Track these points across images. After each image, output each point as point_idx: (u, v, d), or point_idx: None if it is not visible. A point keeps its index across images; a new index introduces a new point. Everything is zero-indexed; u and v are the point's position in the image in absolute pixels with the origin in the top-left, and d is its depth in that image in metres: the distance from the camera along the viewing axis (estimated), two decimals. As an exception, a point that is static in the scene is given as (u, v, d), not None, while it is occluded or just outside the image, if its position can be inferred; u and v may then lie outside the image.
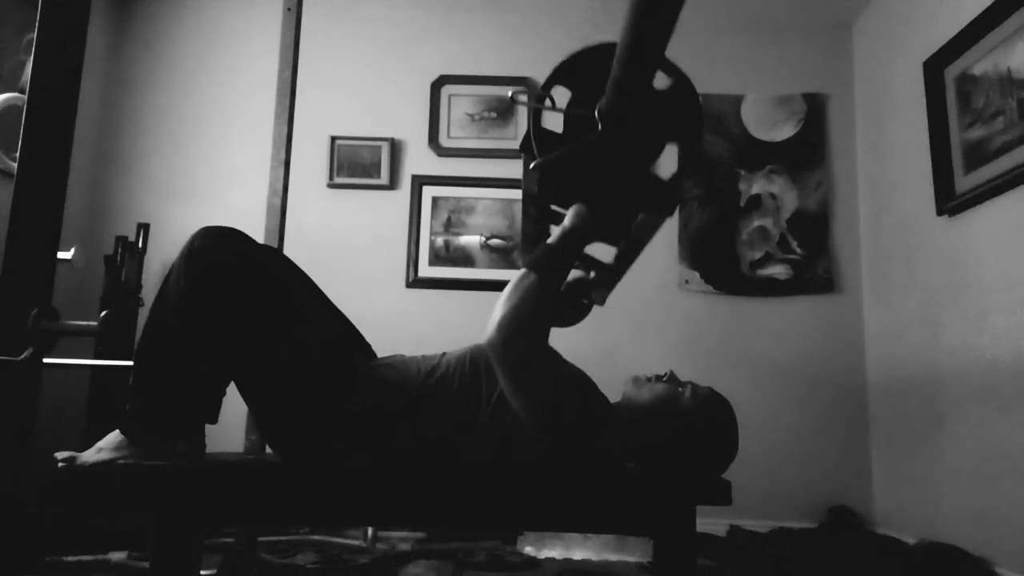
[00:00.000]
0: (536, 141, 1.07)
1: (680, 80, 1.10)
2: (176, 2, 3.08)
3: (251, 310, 1.17)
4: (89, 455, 1.14)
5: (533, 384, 1.08)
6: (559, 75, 1.09)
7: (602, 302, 1.27)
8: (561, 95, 1.09)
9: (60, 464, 1.13)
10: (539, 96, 1.07)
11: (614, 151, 1.03)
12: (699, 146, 1.13)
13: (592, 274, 1.25)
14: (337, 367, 1.22)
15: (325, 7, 2.95)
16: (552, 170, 1.05)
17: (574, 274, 1.25)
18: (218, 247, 1.15)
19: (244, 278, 1.17)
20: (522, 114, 2.98)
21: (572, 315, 1.27)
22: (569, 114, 1.04)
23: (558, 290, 1.12)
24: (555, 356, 1.14)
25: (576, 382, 1.16)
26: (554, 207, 1.19)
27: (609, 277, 1.22)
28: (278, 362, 1.18)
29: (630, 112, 1.00)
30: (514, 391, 1.08)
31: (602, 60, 1.01)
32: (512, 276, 1.09)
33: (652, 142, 1.07)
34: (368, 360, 1.31)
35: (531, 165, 1.06)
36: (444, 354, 1.27)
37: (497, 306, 1.06)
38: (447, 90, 3.00)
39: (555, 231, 1.12)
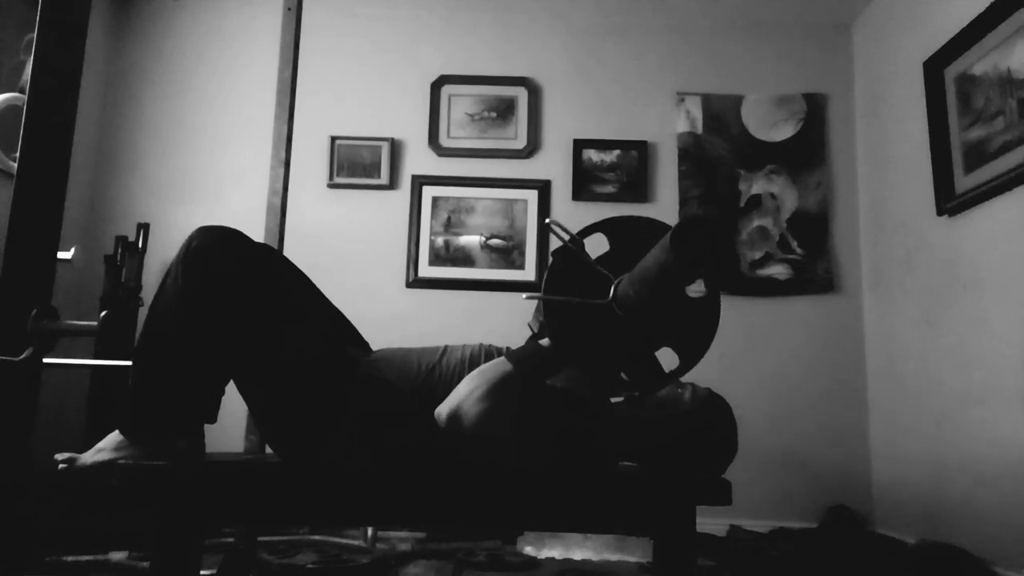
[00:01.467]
0: (559, 266, 1.08)
1: (711, 297, 1.12)
2: (176, 2, 3.08)
3: (249, 309, 1.17)
4: (89, 456, 1.14)
5: (491, 447, 1.11)
6: (604, 226, 1.10)
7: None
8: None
9: (60, 465, 1.13)
10: (573, 240, 1.08)
11: (613, 326, 1.04)
12: (697, 361, 1.14)
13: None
14: (336, 366, 1.22)
15: (325, 7, 2.95)
16: (551, 308, 1.05)
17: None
18: (216, 247, 1.15)
19: (242, 277, 1.17)
20: (522, 114, 2.98)
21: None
22: (591, 267, 1.06)
23: (527, 386, 1.12)
24: (529, 419, 1.13)
25: (555, 405, 1.17)
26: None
27: (595, 390, 1.24)
28: (277, 361, 1.18)
29: (643, 310, 1.01)
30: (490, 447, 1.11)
31: (650, 234, 1.03)
32: (492, 362, 1.11)
33: (655, 335, 1.09)
34: (367, 355, 1.31)
35: (525, 295, 1.08)
36: (445, 349, 1.27)
37: (463, 383, 1.09)
38: (447, 90, 3.00)
39: (545, 340, 1.11)
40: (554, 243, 1.13)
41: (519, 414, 1.09)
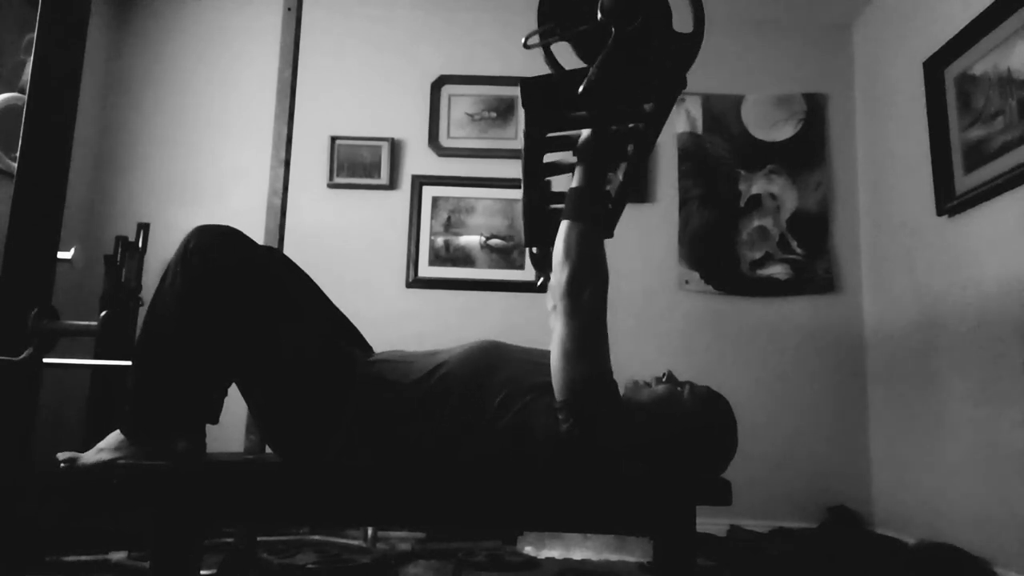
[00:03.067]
0: (558, 77, 1.04)
1: None
2: (176, 2, 3.08)
3: (249, 309, 1.17)
4: (90, 456, 1.14)
5: (600, 336, 1.08)
6: (547, 4, 1.06)
7: (611, 234, 1.27)
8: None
9: (62, 465, 1.13)
10: (543, 32, 1.04)
11: (635, 41, 1.01)
12: None
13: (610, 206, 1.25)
14: (336, 366, 1.22)
15: (325, 7, 2.95)
16: (598, 86, 1.01)
17: None
18: (215, 246, 1.15)
19: (241, 277, 1.16)
20: (522, 113, 2.97)
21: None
22: (576, 32, 1.01)
23: (604, 230, 1.11)
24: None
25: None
26: (554, 161, 1.18)
27: (616, 205, 1.22)
28: (276, 361, 1.18)
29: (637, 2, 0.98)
30: (579, 342, 1.07)
31: None
32: (559, 236, 1.08)
33: (662, 6, 1.05)
34: (367, 356, 1.31)
35: (580, 89, 1.01)
36: (446, 350, 1.26)
37: (559, 264, 1.06)
38: (447, 90, 3.00)
39: (574, 178, 1.10)
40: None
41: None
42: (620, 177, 1.20)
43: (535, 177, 1.20)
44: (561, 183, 1.18)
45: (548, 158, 1.17)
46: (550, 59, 1.04)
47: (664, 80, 1.06)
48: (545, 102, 1.05)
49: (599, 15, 0.99)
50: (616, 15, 0.98)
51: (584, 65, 1.01)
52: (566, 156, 1.17)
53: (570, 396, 1.08)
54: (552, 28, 1.02)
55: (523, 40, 1.03)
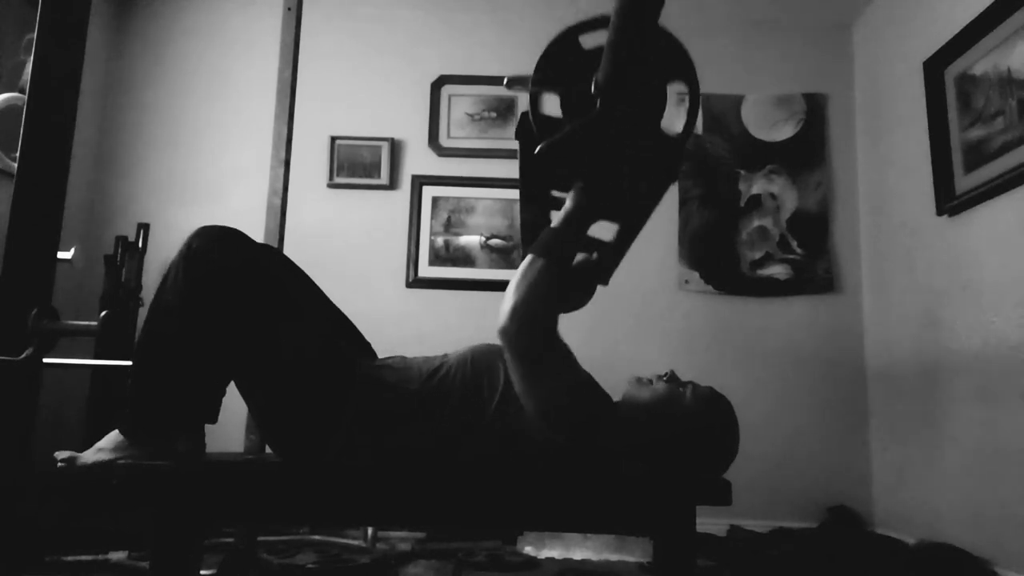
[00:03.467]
0: (536, 125, 1.05)
1: (671, 43, 1.07)
2: (176, 2, 3.08)
3: (250, 309, 1.17)
4: (89, 455, 1.14)
5: (545, 372, 1.08)
6: (549, 57, 1.07)
7: (606, 282, 1.26)
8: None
9: (60, 464, 1.13)
10: (534, 80, 1.05)
11: (617, 122, 1.01)
12: (698, 89, 1.10)
13: (595, 255, 1.25)
14: (337, 366, 1.22)
15: (325, 7, 2.95)
16: (556, 152, 1.03)
17: (577, 256, 1.24)
18: (216, 247, 1.15)
19: (243, 277, 1.17)
20: (520, 112, 2.97)
21: (578, 298, 1.26)
22: (567, 93, 1.02)
23: (566, 273, 1.12)
24: (566, 348, 1.14)
25: (583, 377, 1.16)
26: (553, 192, 1.18)
27: (613, 255, 1.22)
28: (277, 361, 1.18)
29: (629, 80, 0.98)
30: (525, 379, 1.08)
31: (591, 34, 1.00)
32: (520, 266, 1.09)
33: (654, 103, 1.05)
34: (368, 360, 1.31)
35: (536, 149, 1.03)
36: (445, 355, 1.27)
37: (507, 294, 1.06)
38: (447, 90, 3.00)
39: (557, 216, 1.11)
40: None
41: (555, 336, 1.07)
42: (613, 235, 1.20)
43: (530, 198, 1.20)
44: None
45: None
46: (536, 108, 1.05)
47: (648, 169, 1.07)
48: (537, 139, 1.06)
49: (593, 87, 1.00)
50: (607, 94, 0.99)
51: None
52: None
53: (546, 423, 1.09)
54: (543, 78, 1.03)
55: (505, 80, 1.05)
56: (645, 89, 1.02)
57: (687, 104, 1.07)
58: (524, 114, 1.07)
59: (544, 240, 1.09)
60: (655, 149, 1.06)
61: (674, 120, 1.06)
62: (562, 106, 1.05)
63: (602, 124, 1.00)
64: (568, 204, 1.11)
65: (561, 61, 1.05)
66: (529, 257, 1.08)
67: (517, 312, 1.03)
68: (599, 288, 1.26)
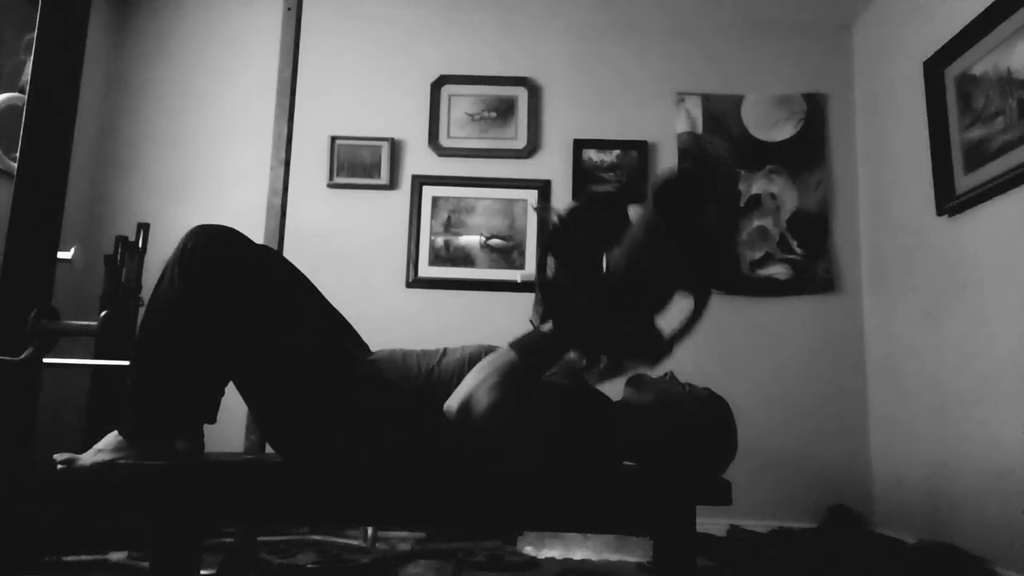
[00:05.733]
0: (552, 245, 1.08)
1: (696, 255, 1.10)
2: (176, 2, 3.08)
3: (247, 309, 1.17)
4: (88, 456, 1.14)
5: (502, 440, 1.11)
6: (589, 205, 1.10)
7: (594, 384, 1.28)
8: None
9: (59, 466, 1.13)
10: (561, 218, 1.08)
11: (611, 298, 1.04)
12: (709, 303, 1.13)
13: (585, 362, 1.25)
14: (336, 365, 1.21)
15: (325, 7, 2.95)
16: (548, 289, 1.05)
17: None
18: (212, 246, 1.15)
19: (239, 277, 1.16)
20: (522, 114, 2.97)
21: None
22: (580, 244, 1.05)
23: (535, 375, 1.13)
24: (527, 401, 1.13)
25: (557, 401, 1.16)
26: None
27: (599, 375, 1.23)
28: (276, 361, 1.18)
29: (634, 278, 1.00)
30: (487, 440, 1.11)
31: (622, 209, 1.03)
32: (497, 352, 1.11)
33: (657, 299, 1.08)
34: (366, 355, 1.31)
35: (519, 278, 1.09)
36: (445, 351, 1.27)
37: (470, 375, 1.08)
38: (447, 90, 3.00)
39: (547, 326, 1.11)
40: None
41: (516, 416, 1.09)
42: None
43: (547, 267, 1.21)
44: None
45: None
46: (559, 240, 1.07)
47: (628, 354, 1.08)
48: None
49: (605, 256, 1.04)
50: (613, 274, 1.02)
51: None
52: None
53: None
54: (570, 222, 1.06)
55: (534, 206, 1.08)
56: (651, 284, 1.05)
57: (690, 311, 1.11)
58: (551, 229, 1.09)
59: (525, 340, 1.11)
60: (641, 336, 1.09)
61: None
62: (573, 255, 1.07)
63: (596, 291, 1.03)
64: (548, 328, 1.11)
65: (594, 213, 1.09)
66: (506, 348, 1.11)
67: (468, 397, 1.06)
68: None
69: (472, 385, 1.06)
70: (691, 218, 0.91)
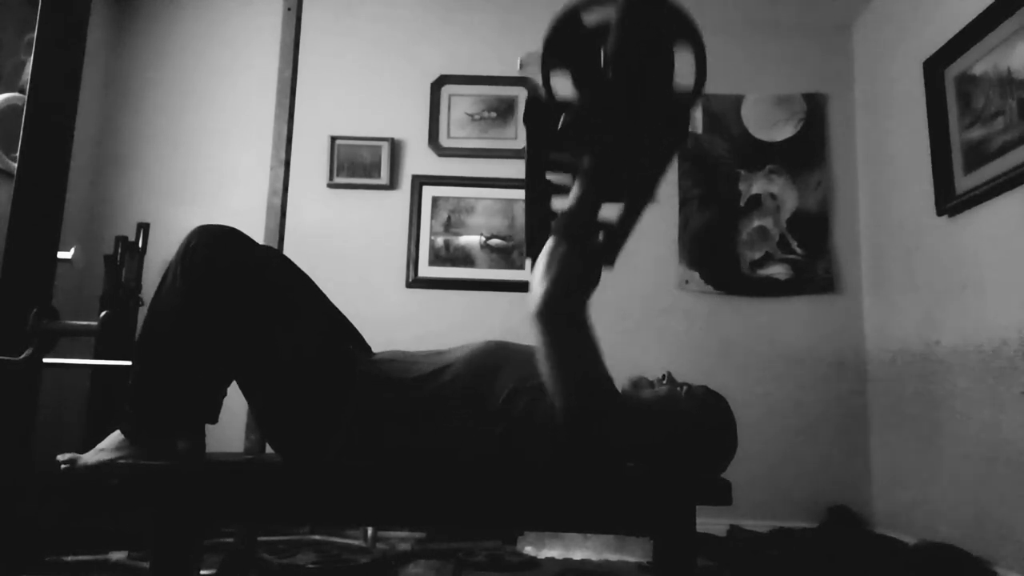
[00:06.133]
0: (549, 103, 1.05)
1: (671, 7, 1.07)
2: (176, 2, 3.08)
3: (249, 309, 1.17)
4: (90, 456, 1.14)
5: (578, 353, 1.08)
6: (556, 34, 1.06)
7: (612, 264, 1.26)
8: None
9: (63, 467, 1.13)
10: (544, 57, 1.05)
11: (631, 88, 1.01)
12: (703, 48, 1.08)
13: (601, 237, 1.24)
14: (337, 365, 1.22)
15: (325, 7, 2.95)
16: (580, 122, 1.02)
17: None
18: (215, 246, 1.15)
19: (242, 277, 1.16)
20: (522, 113, 2.97)
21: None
22: (578, 68, 1.02)
23: (591, 253, 1.11)
24: (595, 334, 1.13)
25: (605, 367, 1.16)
26: (553, 180, 1.18)
27: (618, 236, 1.22)
28: (277, 360, 1.18)
29: (639, 48, 0.98)
30: (558, 362, 1.06)
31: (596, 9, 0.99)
32: (543, 252, 1.07)
33: (664, 65, 1.05)
34: (368, 356, 1.31)
35: (560, 123, 1.03)
36: (449, 351, 1.26)
37: (535, 280, 1.05)
38: (447, 90, 3.00)
39: (566, 201, 1.10)
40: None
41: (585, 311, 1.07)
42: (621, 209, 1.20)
43: (536, 193, 1.20)
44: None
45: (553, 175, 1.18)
46: (548, 88, 1.04)
47: (658, 135, 1.06)
48: (547, 122, 1.05)
49: (602, 59, 1.00)
50: (619, 62, 0.98)
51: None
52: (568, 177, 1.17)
53: (569, 419, 1.08)
54: (553, 55, 1.02)
55: (518, 62, 1.04)
56: (655, 54, 1.02)
57: (694, 64, 1.07)
58: (532, 98, 1.06)
59: (562, 224, 1.08)
60: (667, 108, 1.05)
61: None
62: (574, 82, 1.04)
63: (617, 91, 1.00)
64: (577, 187, 1.10)
65: (569, 37, 1.05)
66: (551, 242, 1.07)
67: (549, 296, 1.02)
68: (599, 289, 1.26)
69: (541, 279, 1.04)
70: None
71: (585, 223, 1.09)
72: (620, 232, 1.18)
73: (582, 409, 1.09)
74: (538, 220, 1.18)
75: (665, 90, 1.03)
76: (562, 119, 1.01)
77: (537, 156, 1.10)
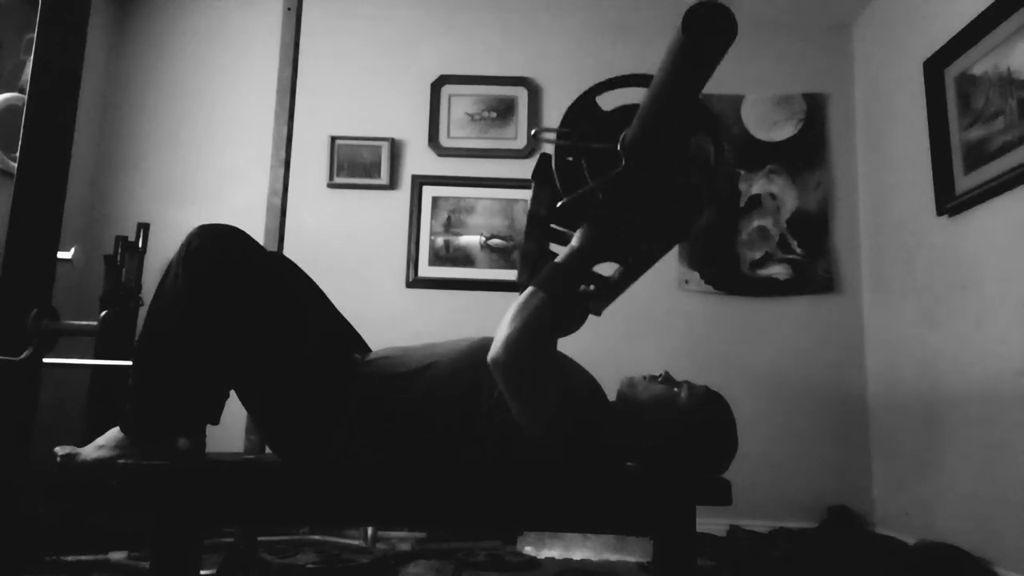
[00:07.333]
0: (560, 175, 1.06)
1: (708, 120, 1.09)
2: (176, 2, 3.08)
3: (249, 309, 1.17)
4: (89, 451, 1.14)
5: (538, 399, 1.08)
6: (580, 109, 1.08)
7: (599, 313, 1.27)
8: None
9: (60, 459, 1.13)
10: (560, 133, 1.06)
11: (639, 185, 1.02)
12: (723, 143, 1.10)
13: (592, 286, 1.25)
14: (336, 365, 1.22)
15: (325, 7, 2.95)
16: (579, 205, 1.04)
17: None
18: (215, 245, 1.15)
19: (242, 276, 1.16)
20: (522, 114, 2.98)
21: (570, 325, 1.27)
22: (592, 149, 1.03)
23: (565, 309, 1.11)
24: (559, 368, 1.13)
25: (581, 391, 1.16)
26: (560, 227, 1.19)
27: (609, 291, 1.22)
28: (277, 360, 1.18)
29: (657, 147, 0.99)
30: (519, 406, 1.08)
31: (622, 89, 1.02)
32: (519, 296, 1.09)
33: (679, 159, 1.06)
34: (366, 355, 1.31)
35: (559, 203, 1.05)
36: (442, 345, 1.26)
37: (503, 324, 1.05)
38: (447, 90, 3.00)
39: (562, 250, 1.11)
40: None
41: (551, 365, 1.07)
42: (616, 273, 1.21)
43: (536, 232, 1.20)
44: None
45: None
46: (559, 159, 1.06)
47: (661, 227, 1.08)
48: (553, 185, 1.07)
49: (618, 145, 1.01)
50: (634, 153, 1.00)
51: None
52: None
53: (542, 442, 1.10)
54: (569, 134, 1.04)
55: (533, 131, 1.06)
56: (671, 148, 1.03)
57: (711, 156, 1.09)
58: (544, 156, 1.08)
59: (546, 275, 1.09)
60: (676, 202, 1.07)
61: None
62: (586, 162, 1.05)
63: (627, 182, 1.01)
64: (574, 242, 1.10)
65: (588, 116, 1.07)
66: (530, 289, 1.08)
67: (511, 343, 1.03)
68: None
69: (509, 331, 1.04)
70: (721, 38, 0.87)
71: (567, 279, 1.09)
72: (613, 288, 1.18)
73: (549, 446, 1.10)
74: (532, 262, 1.18)
75: (675, 182, 1.05)
76: (562, 202, 1.03)
77: (539, 211, 1.11)
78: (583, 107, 1.09)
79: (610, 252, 1.12)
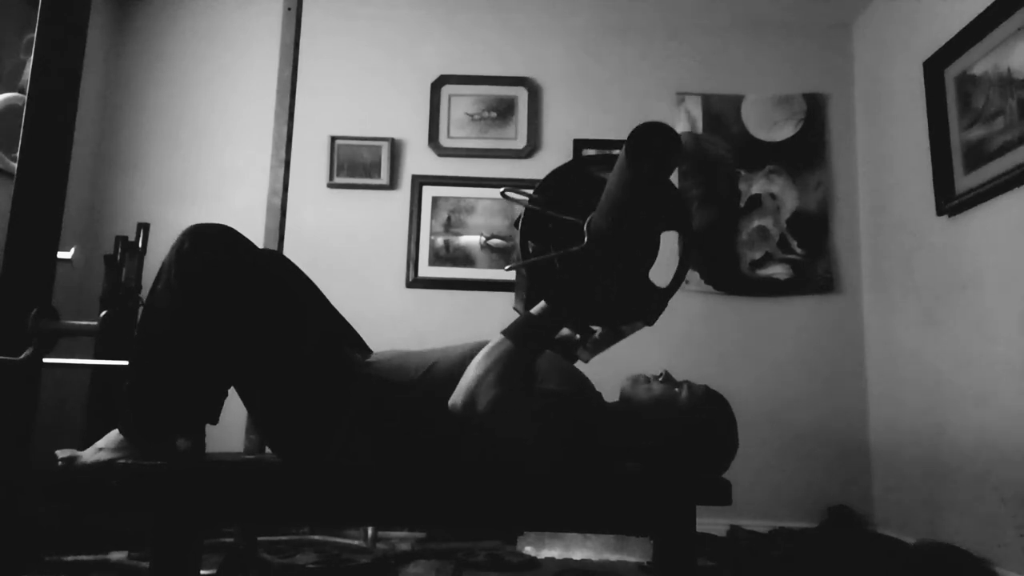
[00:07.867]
0: (526, 233, 1.08)
1: (669, 192, 1.10)
2: (176, 2, 3.08)
3: (246, 308, 1.16)
4: (89, 454, 1.14)
5: (511, 434, 1.10)
6: (556, 179, 1.09)
7: (586, 361, 1.28)
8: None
9: (60, 462, 1.13)
10: (532, 199, 1.08)
11: (598, 264, 1.03)
12: (693, 240, 1.11)
13: (578, 336, 1.25)
14: (336, 365, 1.21)
15: (325, 7, 2.95)
16: (530, 274, 1.06)
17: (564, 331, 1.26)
18: (209, 245, 1.14)
19: (236, 275, 1.16)
20: (522, 114, 2.98)
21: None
22: (557, 219, 1.05)
23: (532, 359, 1.12)
24: (530, 399, 1.12)
25: (565, 391, 1.16)
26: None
27: (594, 346, 1.23)
28: (275, 361, 1.18)
29: (617, 234, 1.00)
30: (495, 439, 1.10)
31: (606, 167, 1.03)
32: (488, 345, 1.10)
33: (643, 251, 1.07)
34: (365, 356, 1.31)
35: (506, 267, 1.09)
36: (443, 349, 1.26)
37: (470, 368, 1.07)
38: (447, 90, 3.00)
39: (537, 308, 1.11)
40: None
41: (520, 412, 1.09)
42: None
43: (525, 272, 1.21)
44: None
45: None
46: (527, 223, 1.08)
47: (618, 309, 1.08)
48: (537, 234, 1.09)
49: (585, 223, 1.02)
50: (595, 237, 1.01)
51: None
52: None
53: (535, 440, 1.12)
54: (541, 200, 1.05)
55: (502, 190, 1.07)
56: (636, 238, 1.05)
57: (679, 254, 1.10)
58: (528, 210, 1.09)
59: (516, 327, 1.10)
60: (635, 295, 1.08)
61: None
62: (551, 230, 1.07)
63: (584, 261, 1.02)
64: (542, 304, 1.11)
65: (562, 185, 1.09)
66: (498, 338, 1.09)
67: (473, 393, 1.04)
68: None
69: (472, 379, 1.05)
70: (666, 160, 0.90)
71: (534, 333, 1.10)
72: (596, 345, 1.19)
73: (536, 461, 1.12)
74: (525, 290, 1.18)
75: (637, 275, 1.06)
76: (511, 266, 1.06)
77: (526, 251, 1.12)
78: (566, 173, 1.10)
79: (571, 318, 1.12)
